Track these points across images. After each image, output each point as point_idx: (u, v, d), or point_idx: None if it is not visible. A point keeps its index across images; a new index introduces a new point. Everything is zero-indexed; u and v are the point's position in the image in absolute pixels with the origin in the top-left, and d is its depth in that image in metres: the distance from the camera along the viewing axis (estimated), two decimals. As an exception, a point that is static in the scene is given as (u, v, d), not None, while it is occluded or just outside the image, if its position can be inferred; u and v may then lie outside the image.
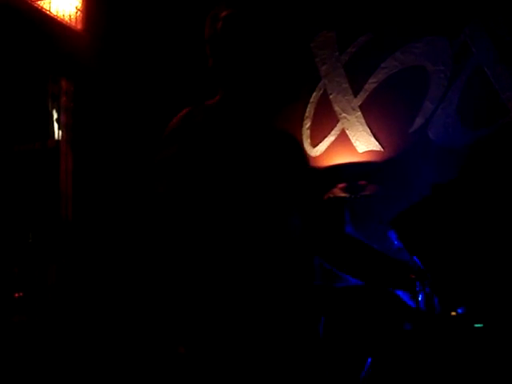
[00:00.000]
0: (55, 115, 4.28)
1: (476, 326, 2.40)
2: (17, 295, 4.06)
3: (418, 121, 4.19)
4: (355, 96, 4.37)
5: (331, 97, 4.44)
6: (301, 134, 4.43)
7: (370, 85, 4.33)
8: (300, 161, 1.76)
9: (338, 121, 4.41)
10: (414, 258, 2.14)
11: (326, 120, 4.43)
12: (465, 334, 2.40)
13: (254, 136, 1.63)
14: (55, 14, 4.00)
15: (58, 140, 4.24)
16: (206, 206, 1.48)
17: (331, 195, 3.98)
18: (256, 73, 1.63)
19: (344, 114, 4.39)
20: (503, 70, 4.01)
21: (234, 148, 1.55)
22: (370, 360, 2.75)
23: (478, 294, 2.41)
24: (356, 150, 4.34)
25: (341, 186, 4.01)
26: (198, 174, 1.50)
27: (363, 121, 4.33)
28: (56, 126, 4.28)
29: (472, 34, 4.11)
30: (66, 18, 4.08)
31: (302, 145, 3.61)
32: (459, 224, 2.21)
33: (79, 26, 4.16)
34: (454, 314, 2.42)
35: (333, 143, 4.41)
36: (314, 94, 4.47)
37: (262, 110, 1.68)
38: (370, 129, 4.31)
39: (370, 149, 4.31)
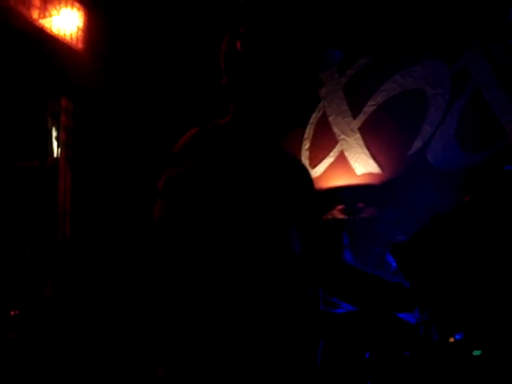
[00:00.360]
0: (54, 133, 4.30)
1: (475, 352, 2.40)
2: (13, 313, 4.05)
3: (417, 144, 4.20)
4: (354, 118, 4.38)
5: (330, 118, 4.46)
6: (300, 155, 4.44)
7: (369, 107, 4.34)
8: (309, 186, 1.76)
9: (336, 142, 4.42)
10: (412, 285, 2.14)
11: (324, 141, 4.45)
12: (463, 360, 2.40)
13: (265, 159, 1.58)
14: (56, 32, 4.01)
15: (56, 158, 4.25)
16: (213, 225, 1.45)
17: (330, 217, 3.98)
18: (273, 94, 1.55)
19: (343, 136, 4.40)
20: (502, 94, 4.02)
21: (246, 170, 1.51)
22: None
23: (476, 320, 2.41)
24: (354, 172, 4.34)
25: (339, 207, 4.02)
26: (208, 191, 1.46)
27: (362, 143, 4.33)
28: (55, 143, 4.29)
29: (471, 58, 4.12)
30: (67, 37, 4.08)
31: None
32: (458, 250, 2.21)
33: (80, 45, 4.17)
34: (452, 340, 2.42)
35: (331, 165, 4.42)
36: (314, 115, 4.48)
37: (274, 133, 1.62)
38: (368, 151, 4.31)
39: (368, 171, 4.32)
